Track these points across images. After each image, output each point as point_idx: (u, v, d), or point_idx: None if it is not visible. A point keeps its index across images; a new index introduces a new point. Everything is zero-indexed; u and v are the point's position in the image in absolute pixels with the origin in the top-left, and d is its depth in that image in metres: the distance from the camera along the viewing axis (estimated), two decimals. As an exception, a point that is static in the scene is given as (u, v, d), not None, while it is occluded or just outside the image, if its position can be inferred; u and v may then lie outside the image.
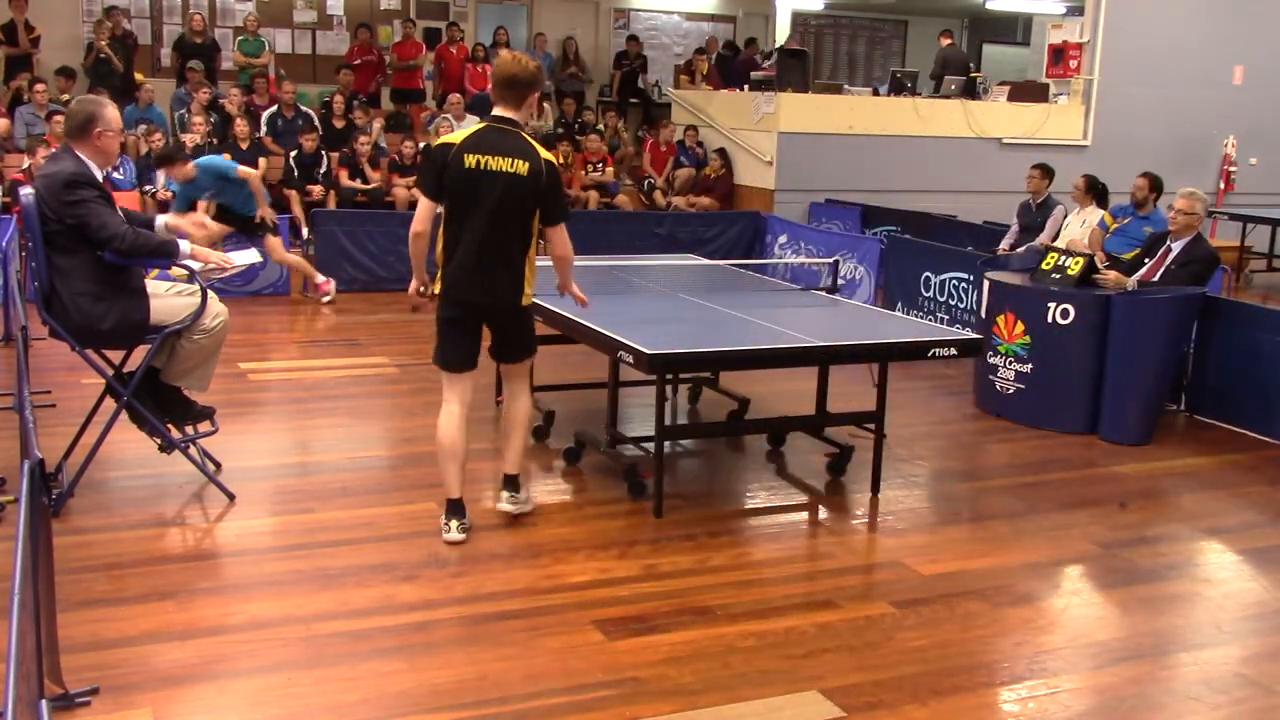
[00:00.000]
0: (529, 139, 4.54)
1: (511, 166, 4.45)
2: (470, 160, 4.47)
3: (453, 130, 12.34)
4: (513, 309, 4.69)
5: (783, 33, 16.53)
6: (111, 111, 4.85)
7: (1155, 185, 9.02)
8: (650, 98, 16.33)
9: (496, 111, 4.58)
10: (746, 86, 13.87)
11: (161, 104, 12.98)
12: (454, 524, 4.77)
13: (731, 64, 15.83)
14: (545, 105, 14.09)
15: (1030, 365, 6.79)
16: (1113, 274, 7.03)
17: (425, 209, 4.58)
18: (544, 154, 4.53)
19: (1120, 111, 13.87)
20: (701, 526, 5.04)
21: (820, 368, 6.11)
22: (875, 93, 14.52)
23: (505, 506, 4.97)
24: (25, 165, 9.81)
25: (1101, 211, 9.46)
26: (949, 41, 15.64)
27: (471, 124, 12.17)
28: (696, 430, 6.80)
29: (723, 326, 5.56)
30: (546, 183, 4.50)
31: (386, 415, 6.82)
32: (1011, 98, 13.86)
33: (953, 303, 9.08)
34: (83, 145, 4.78)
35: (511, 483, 4.99)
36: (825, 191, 12.58)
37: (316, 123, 12.53)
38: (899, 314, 8.71)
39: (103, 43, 12.68)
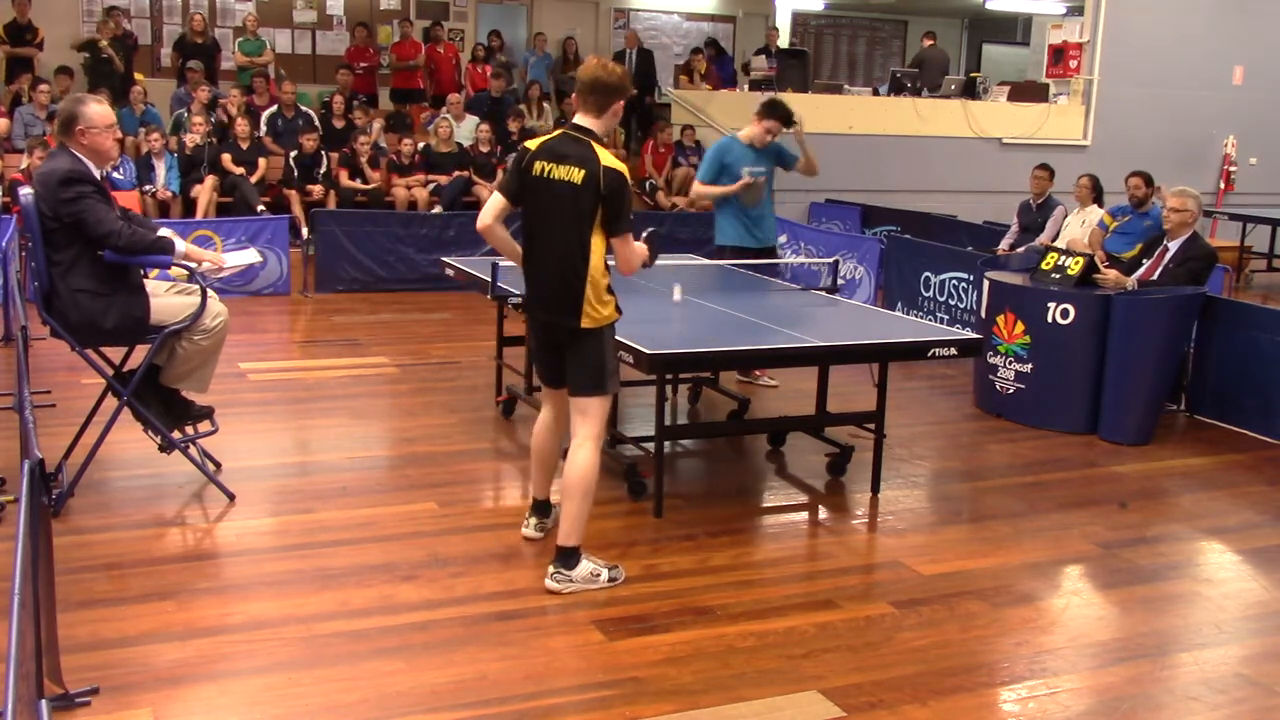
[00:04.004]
0: (596, 147, 4.22)
1: (568, 175, 4.20)
2: (538, 168, 4.28)
3: (452, 129, 12.46)
4: (573, 331, 4.26)
5: (783, 33, 16.54)
6: (93, 109, 4.77)
7: (1149, 181, 9.10)
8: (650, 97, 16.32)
9: (575, 119, 4.34)
10: (747, 86, 13.89)
11: (161, 104, 12.98)
12: (532, 521, 4.79)
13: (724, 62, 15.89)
14: (545, 105, 14.10)
15: (1030, 365, 6.79)
16: (1113, 274, 7.02)
17: (492, 203, 4.43)
18: (606, 161, 4.18)
19: (1120, 111, 13.88)
20: (701, 526, 5.04)
21: (820, 368, 6.11)
22: (875, 93, 14.53)
23: (550, 585, 4.31)
24: (24, 165, 9.81)
25: (1101, 211, 9.48)
26: (930, 43, 15.66)
27: (471, 123, 11.88)
28: (696, 430, 6.80)
29: (723, 326, 5.56)
30: (605, 190, 4.14)
31: (386, 415, 6.81)
32: (1011, 98, 13.88)
33: (953, 303, 9.08)
34: (72, 143, 4.78)
35: (559, 555, 4.34)
36: (825, 191, 12.58)
37: (316, 123, 12.53)
38: (899, 314, 8.71)
39: (104, 42, 12.67)
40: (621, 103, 4.32)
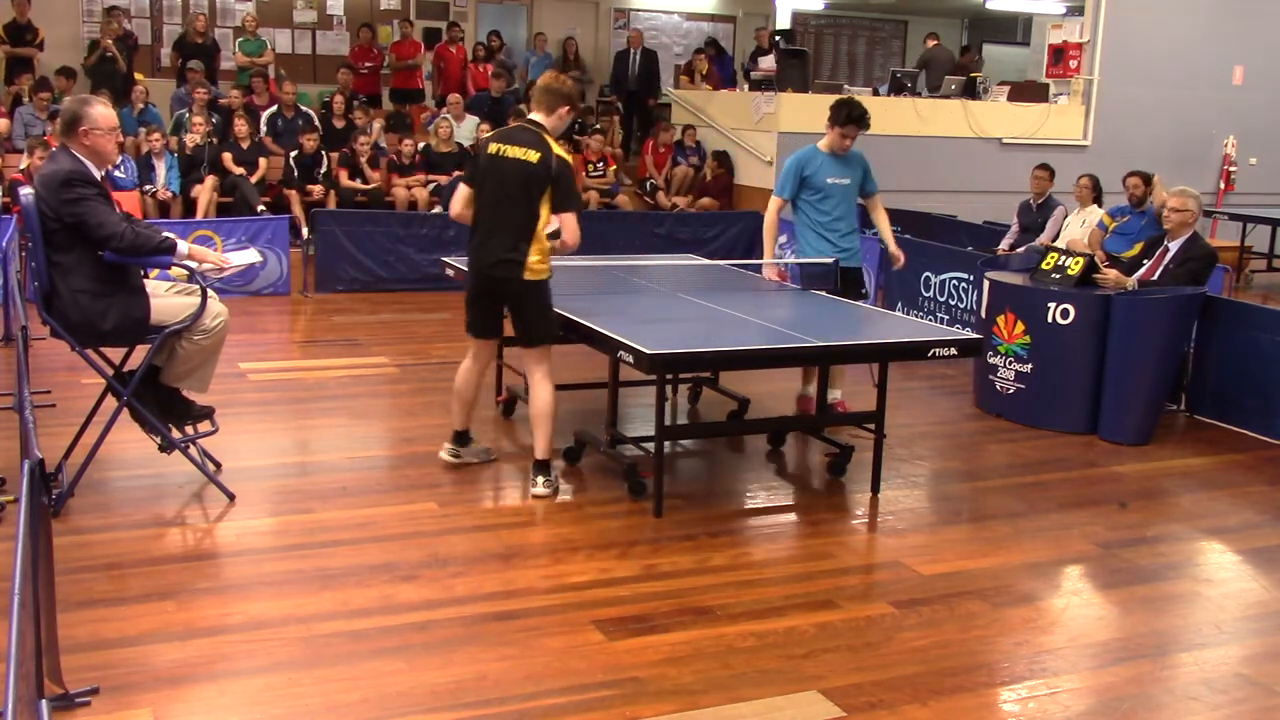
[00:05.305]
0: (547, 138, 5.09)
1: (523, 155, 5.05)
2: (493, 148, 5.15)
3: (452, 129, 12.46)
4: (517, 283, 5.10)
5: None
6: (97, 110, 4.79)
7: (1147, 180, 9.13)
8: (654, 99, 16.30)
9: (530, 115, 5.24)
10: (747, 86, 13.89)
11: (161, 104, 12.98)
12: (446, 446, 5.62)
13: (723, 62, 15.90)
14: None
15: (1030, 365, 6.79)
16: (1113, 274, 7.02)
17: (459, 193, 5.31)
18: (557, 150, 5.06)
19: (1120, 111, 13.86)
20: (701, 526, 5.04)
21: (820, 368, 6.11)
22: (875, 93, 14.52)
23: (539, 490, 5.27)
24: (24, 165, 9.81)
25: (1101, 211, 9.48)
26: (934, 43, 15.66)
27: (471, 123, 12.00)
28: (696, 430, 6.80)
29: (723, 326, 5.56)
30: (556, 173, 5.02)
31: (386, 415, 6.81)
32: (1011, 98, 13.87)
33: (953, 303, 9.08)
34: (74, 144, 4.78)
35: (538, 466, 5.30)
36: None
37: (316, 123, 12.53)
38: (899, 314, 8.72)
39: (109, 41, 12.67)
40: (567, 108, 5.17)
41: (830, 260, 6.52)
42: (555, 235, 5.13)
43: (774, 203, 6.59)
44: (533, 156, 5.03)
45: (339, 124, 12.69)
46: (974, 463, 6.30)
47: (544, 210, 5.08)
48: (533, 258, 5.08)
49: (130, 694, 3.45)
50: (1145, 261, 7.28)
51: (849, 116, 6.39)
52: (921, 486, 5.78)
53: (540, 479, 5.28)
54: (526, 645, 3.88)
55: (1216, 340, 6.98)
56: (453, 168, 12.14)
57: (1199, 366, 7.12)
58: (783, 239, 11.60)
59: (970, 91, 13.82)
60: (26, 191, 4.79)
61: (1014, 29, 19.51)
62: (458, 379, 5.54)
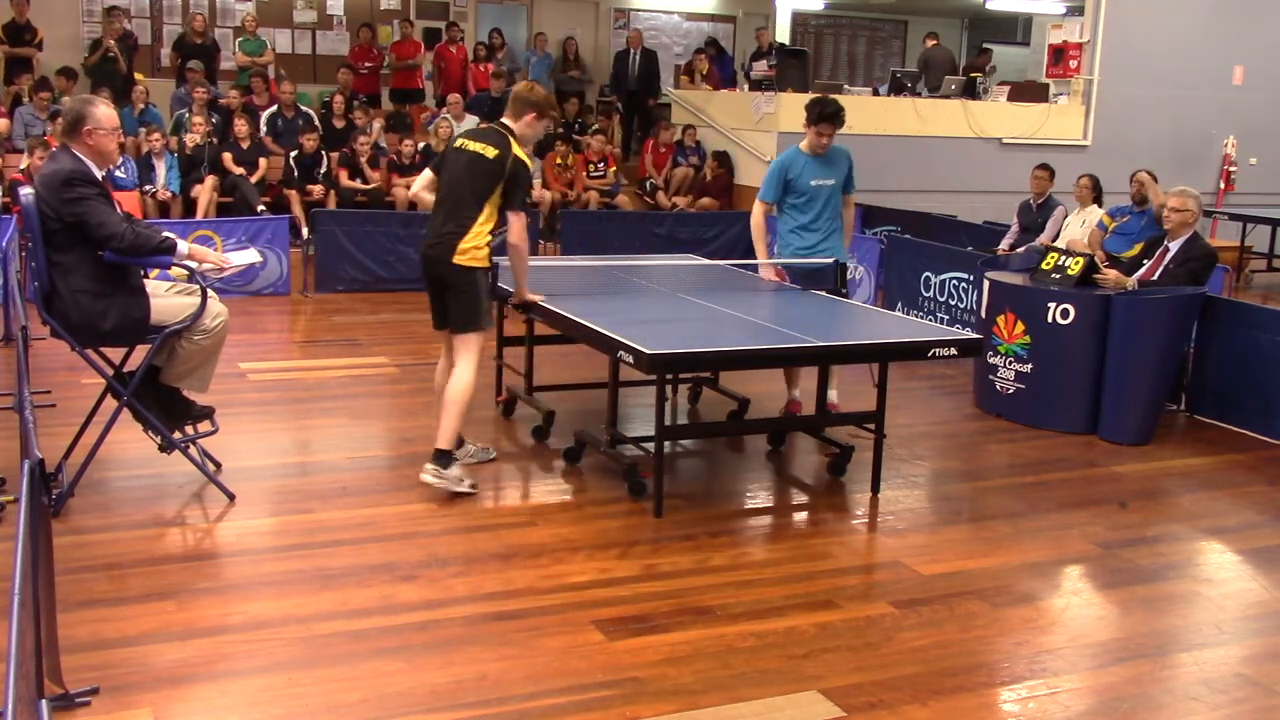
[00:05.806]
0: (512, 140, 5.28)
1: (482, 149, 5.26)
2: (459, 143, 5.40)
3: (452, 129, 12.47)
4: (445, 264, 5.22)
5: (783, 33, 16.54)
6: (102, 110, 4.81)
7: (1153, 178, 9.13)
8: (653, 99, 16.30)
9: (502, 119, 5.42)
10: (747, 86, 13.89)
11: (161, 104, 12.98)
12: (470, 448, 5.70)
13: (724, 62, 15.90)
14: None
15: (1030, 365, 6.79)
16: (1113, 274, 7.02)
17: (422, 176, 5.60)
18: (517, 151, 5.25)
19: (1120, 111, 13.87)
20: (701, 526, 5.04)
21: (820, 368, 6.11)
22: (875, 93, 14.52)
23: (425, 477, 5.24)
24: (24, 165, 9.81)
25: (1101, 211, 9.48)
26: (933, 43, 15.68)
27: (471, 122, 12.07)
28: (696, 430, 6.80)
29: (723, 326, 5.56)
30: (509, 171, 5.21)
31: (386, 415, 6.81)
32: (1011, 98, 13.88)
33: (953, 303, 9.08)
34: (76, 144, 4.78)
35: (437, 455, 5.26)
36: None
37: (316, 123, 12.53)
38: (899, 314, 8.72)
39: (111, 41, 12.67)
40: (533, 115, 5.34)
41: (829, 260, 6.51)
42: (494, 235, 5.35)
43: (759, 207, 6.55)
44: (490, 152, 5.22)
45: (339, 124, 12.70)
46: (974, 463, 6.30)
47: (489, 207, 5.22)
48: (466, 243, 5.18)
49: (130, 694, 3.45)
50: (1145, 261, 7.29)
51: (821, 114, 6.36)
52: (921, 486, 5.78)
53: (431, 467, 5.22)
54: (526, 645, 3.88)
55: (1216, 340, 6.98)
56: (453, 168, 12.13)
57: (1199, 366, 7.12)
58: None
59: (970, 91, 13.83)
60: (26, 191, 4.79)
61: (1014, 29, 19.52)
62: (436, 381, 5.60)
